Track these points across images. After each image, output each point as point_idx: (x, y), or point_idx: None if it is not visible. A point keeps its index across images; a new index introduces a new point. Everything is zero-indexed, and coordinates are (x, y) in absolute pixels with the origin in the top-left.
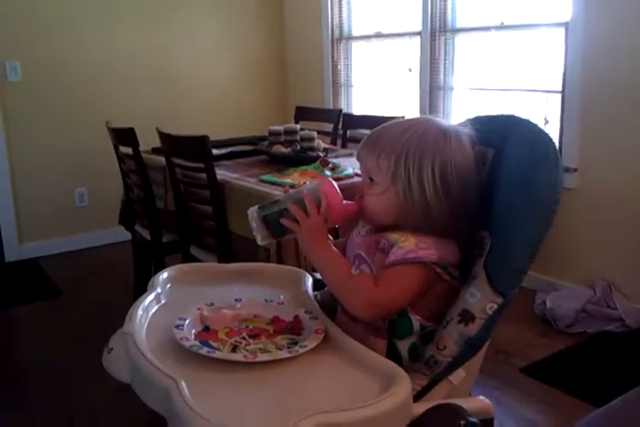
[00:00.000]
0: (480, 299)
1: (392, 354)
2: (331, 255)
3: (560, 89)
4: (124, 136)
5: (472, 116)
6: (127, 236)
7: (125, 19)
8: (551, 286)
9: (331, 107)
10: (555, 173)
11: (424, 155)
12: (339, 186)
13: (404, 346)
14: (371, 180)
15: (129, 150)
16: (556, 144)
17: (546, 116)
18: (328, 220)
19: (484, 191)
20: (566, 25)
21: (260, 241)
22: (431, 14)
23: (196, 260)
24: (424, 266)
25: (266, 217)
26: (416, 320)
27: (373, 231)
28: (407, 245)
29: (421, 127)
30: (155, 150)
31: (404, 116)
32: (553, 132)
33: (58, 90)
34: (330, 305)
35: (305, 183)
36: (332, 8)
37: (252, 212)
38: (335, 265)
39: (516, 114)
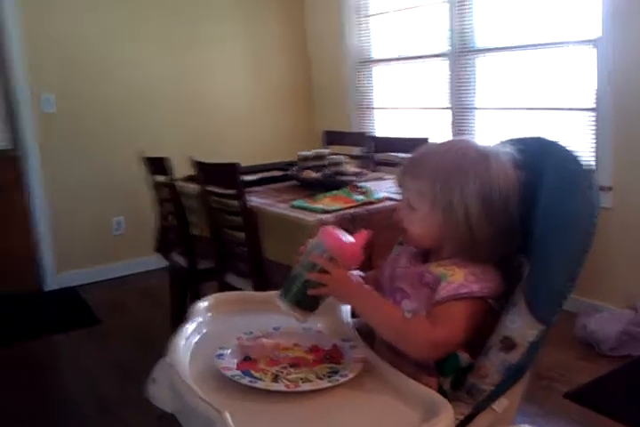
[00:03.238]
0: (520, 326)
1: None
2: (374, 301)
3: (592, 106)
4: (158, 165)
5: (501, 137)
6: (164, 263)
7: (156, 49)
8: (592, 308)
9: (357, 130)
10: (589, 194)
11: (464, 178)
12: (369, 210)
13: (447, 381)
14: (411, 204)
15: (163, 179)
16: (590, 163)
17: (578, 134)
18: (346, 266)
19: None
20: (595, 42)
21: (302, 322)
22: (456, 35)
23: (231, 287)
24: (478, 300)
25: (294, 298)
26: (463, 357)
27: (413, 262)
28: (456, 279)
29: (460, 150)
30: (189, 178)
31: (426, 139)
32: (586, 150)
33: (92, 120)
34: (367, 332)
35: (315, 235)
36: (354, 32)
37: (278, 300)
38: (384, 311)
39: (545, 136)
